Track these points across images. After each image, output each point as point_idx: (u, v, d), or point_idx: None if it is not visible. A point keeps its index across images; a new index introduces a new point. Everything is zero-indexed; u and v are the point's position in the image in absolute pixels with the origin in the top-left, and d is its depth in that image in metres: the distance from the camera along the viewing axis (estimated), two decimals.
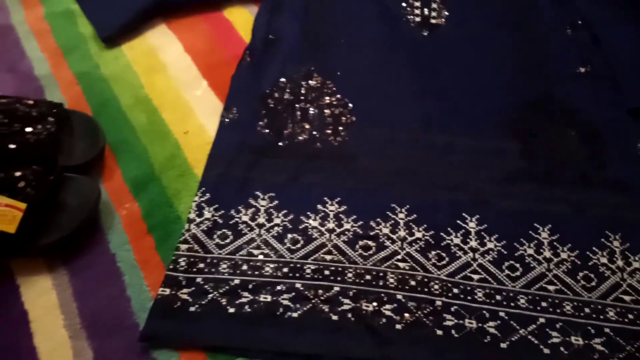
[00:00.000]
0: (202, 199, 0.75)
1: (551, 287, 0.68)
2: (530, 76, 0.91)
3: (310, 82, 0.89)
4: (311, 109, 0.86)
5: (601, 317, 0.66)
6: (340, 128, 0.84)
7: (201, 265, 0.70)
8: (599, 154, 0.81)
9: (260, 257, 0.70)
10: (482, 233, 0.73)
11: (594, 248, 0.72)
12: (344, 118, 0.85)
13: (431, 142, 0.83)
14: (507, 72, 0.92)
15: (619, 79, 0.89)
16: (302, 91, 0.88)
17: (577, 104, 0.87)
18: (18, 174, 0.70)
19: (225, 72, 0.90)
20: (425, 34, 0.96)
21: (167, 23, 0.99)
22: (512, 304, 0.67)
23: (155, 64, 0.93)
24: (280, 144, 0.82)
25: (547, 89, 0.89)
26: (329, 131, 0.83)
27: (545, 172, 0.79)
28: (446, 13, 1.00)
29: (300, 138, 0.82)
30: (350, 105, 0.86)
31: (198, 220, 0.73)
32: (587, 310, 0.67)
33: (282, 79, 0.89)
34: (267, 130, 0.83)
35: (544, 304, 0.67)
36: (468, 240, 0.72)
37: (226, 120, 0.84)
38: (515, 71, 0.92)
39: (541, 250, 0.71)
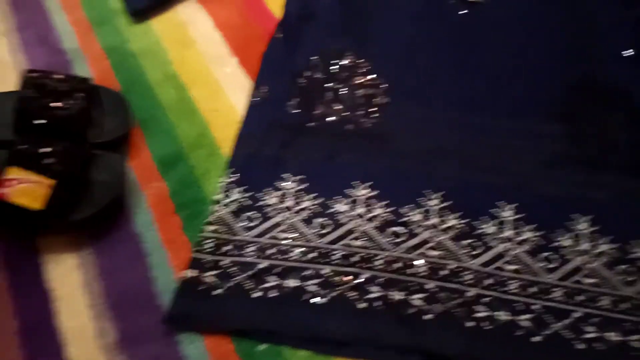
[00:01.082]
0: (230, 179, 0.74)
1: (588, 281, 0.66)
2: (576, 56, 0.86)
3: (343, 61, 0.86)
4: (343, 88, 0.83)
5: (638, 313, 0.63)
6: (374, 109, 0.81)
7: (227, 247, 0.69)
8: None
9: (288, 241, 0.69)
10: (519, 222, 0.70)
11: (633, 241, 0.68)
12: (377, 99, 0.82)
13: (470, 122, 0.79)
14: (552, 52, 0.87)
15: None
16: (335, 70, 0.85)
17: (625, 87, 0.82)
18: (47, 149, 0.70)
19: (255, 49, 0.87)
20: (465, 11, 0.92)
21: None
22: (546, 297, 0.64)
23: (184, 40, 0.91)
24: (311, 124, 0.80)
25: (593, 71, 0.84)
26: (361, 112, 0.80)
27: (591, 156, 0.76)
28: None
29: (332, 118, 0.80)
30: (384, 85, 0.83)
31: (226, 201, 0.72)
32: (625, 305, 0.64)
33: (315, 57, 0.86)
34: (297, 110, 0.81)
35: (580, 297, 0.64)
36: (503, 229, 0.70)
37: (256, 98, 0.82)
38: (560, 50, 0.87)
39: (579, 242, 0.68)
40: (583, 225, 0.70)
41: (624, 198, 0.72)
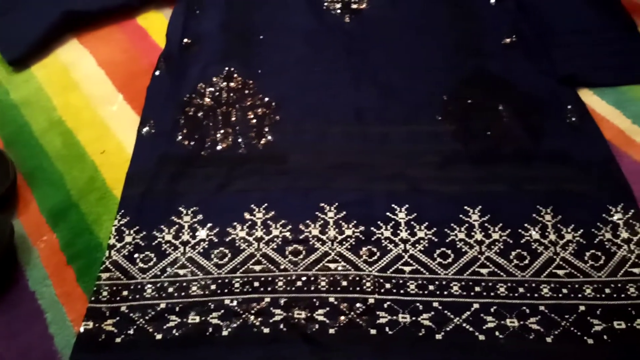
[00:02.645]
0: (121, 222, 0.72)
1: (484, 271, 0.67)
2: (462, 52, 0.89)
3: (231, 84, 0.86)
4: (232, 112, 0.83)
5: (535, 295, 0.65)
6: (266, 129, 0.81)
7: (125, 292, 0.67)
8: (534, 126, 0.80)
9: (186, 277, 0.68)
10: (412, 222, 0.71)
11: (525, 225, 0.71)
12: (268, 119, 0.82)
13: (366, 132, 0.80)
14: (439, 50, 0.90)
15: (547, 46, 0.88)
16: (223, 95, 0.85)
17: (509, 76, 0.85)
18: None
19: (141, 84, 0.86)
20: (348, 20, 0.94)
21: (78, 37, 0.95)
22: (445, 293, 0.66)
23: (68, 83, 0.89)
24: (202, 153, 0.79)
25: (480, 64, 0.87)
26: (252, 134, 0.80)
27: (482, 151, 0.78)
28: None
29: (224, 145, 0.79)
30: (275, 103, 0.83)
31: (119, 245, 0.70)
32: (521, 290, 0.66)
33: (201, 84, 0.85)
34: (187, 141, 0.80)
35: (477, 288, 0.66)
36: (398, 231, 0.71)
37: (143, 133, 0.81)
38: (447, 48, 0.90)
39: (472, 234, 0.70)
40: (474, 217, 0.71)
41: (515, 187, 0.74)
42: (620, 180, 0.74)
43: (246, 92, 0.85)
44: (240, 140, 0.80)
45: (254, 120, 0.82)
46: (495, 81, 0.85)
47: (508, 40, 0.89)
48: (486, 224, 0.71)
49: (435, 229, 0.71)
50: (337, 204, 0.73)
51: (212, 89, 0.85)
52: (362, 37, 0.92)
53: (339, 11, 0.95)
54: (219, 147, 0.79)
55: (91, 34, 0.95)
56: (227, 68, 0.87)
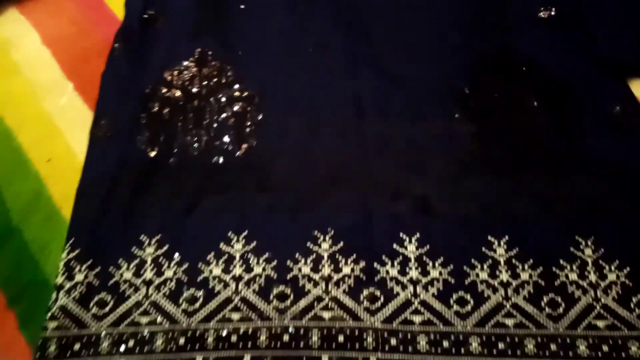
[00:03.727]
0: (71, 254, 0.59)
1: (510, 322, 0.55)
2: (483, 26, 0.73)
3: (204, 69, 0.70)
4: (206, 109, 0.68)
5: (570, 353, 0.54)
6: (247, 130, 0.66)
7: (76, 346, 0.55)
8: (570, 125, 0.65)
9: (150, 326, 0.56)
10: (425, 257, 0.58)
11: (561, 261, 0.58)
12: (249, 117, 0.67)
13: (365, 132, 0.66)
14: (455, 25, 0.74)
15: (590, 22, 0.71)
16: (195, 84, 0.69)
17: (540, 60, 0.70)
18: None
19: (95, 67, 0.70)
20: None
21: (18, 6, 0.77)
22: (462, 350, 0.54)
23: (7, 65, 0.73)
24: (169, 161, 0.65)
25: (504, 43, 0.72)
26: (230, 138, 0.66)
27: (506, 158, 0.64)
28: None
29: (195, 152, 0.65)
30: (256, 98, 0.68)
31: (68, 285, 0.58)
32: (553, 347, 0.54)
33: (167, 72, 0.70)
34: (150, 146, 0.65)
35: (501, 345, 0.54)
36: (407, 269, 0.58)
37: (97, 136, 0.66)
38: (465, 21, 0.74)
39: (497, 273, 0.58)
40: (500, 251, 0.59)
41: (547, 207, 0.61)
42: None
43: (223, 80, 0.69)
44: (216, 144, 0.65)
45: (232, 120, 0.67)
46: (525, 66, 0.70)
47: (544, 14, 0.72)
48: (514, 260, 0.58)
49: (451, 266, 0.58)
50: (332, 231, 0.60)
51: (182, 77, 0.69)
52: (363, 9, 0.75)
53: None
54: (189, 154, 0.65)
55: (33, 2, 0.77)
56: (199, 48, 0.71)
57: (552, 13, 0.72)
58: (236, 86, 0.69)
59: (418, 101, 0.68)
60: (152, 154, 0.65)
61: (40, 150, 0.67)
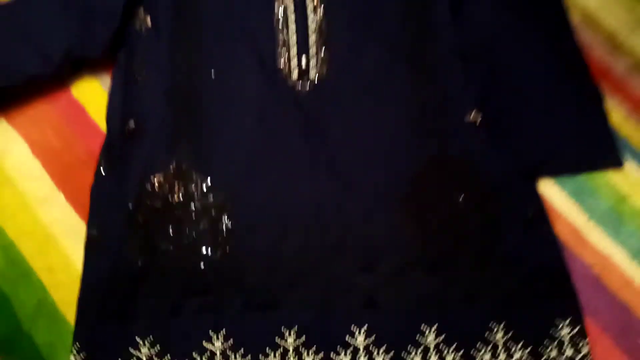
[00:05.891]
0: (77, 357, 0.70)
1: None
2: (424, 129, 0.83)
3: (180, 181, 0.80)
4: (185, 217, 0.78)
5: None
6: (221, 237, 0.77)
7: None
8: (492, 223, 0.78)
9: None
10: (371, 347, 0.72)
11: (478, 344, 0.73)
12: (223, 223, 0.78)
13: (324, 234, 0.77)
14: (400, 127, 0.83)
15: (511, 125, 0.84)
16: (174, 194, 0.79)
17: (469, 162, 0.81)
18: None
19: (82, 178, 0.80)
20: (307, 89, 0.86)
21: (6, 116, 0.85)
22: None
23: (1, 177, 0.82)
24: (154, 266, 0.76)
25: (440, 146, 0.82)
26: (207, 243, 0.77)
27: (438, 255, 0.77)
28: (329, 56, 0.85)
29: (177, 257, 0.76)
30: (229, 204, 0.79)
31: None
32: None
33: (148, 183, 0.79)
34: (136, 253, 0.76)
35: None
36: (357, 357, 0.72)
37: (90, 247, 0.76)
38: (408, 124, 0.83)
39: (428, 356, 0.72)
40: (430, 337, 0.73)
41: (470, 297, 0.75)
42: (570, 291, 0.76)
43: (198, 190, 0.80)
44: (195, 250, 0.77)
45: (209, 226, 0.78)
46: (457, 166, 0.82)
47: (472, 117, 0.84)
48: (441, 346, 0.73)
49: (392, 352, 0.72)
50: (296, 326, 0.73)
51: (161, 188, 0.79)
52: (319, 110, 0.84)
53: (294, 77, 0.87)
54: (172, 260, 0.76)
55: (21, 113, 0.85)
56: (175, 160, 0.80)
57: (479, 119, 0.84)
58: (210, 195, 0.79)
59: (368, 204, 0.79)
60: (139, 262, 0.76)
61: (40, 259, 0.77)
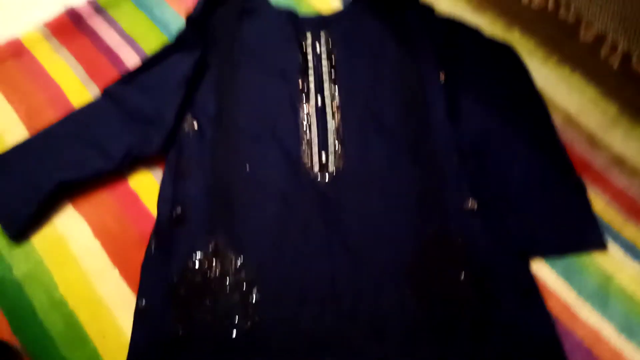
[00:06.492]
0: None
1: None
2: (425, 212, 0.96)
3: (217, 260, 0.93)
4: (220, 292, 0.90)
5: None
6: (251, 308, 0.89)
7: None
8: (487, 297, 0.87)
9: None
10: None
11: None
12: (252, 296, 0.90)
13: (341, 305, 0.88)
14: (406, 208, 0.96)
15: (504, 213, 0.96)
16: (212, 272, 0.92)
17: (468, 243, 0.92)
18: None
19: (134, 257, 0.93)
20: (327, 180, 1.00)
21: (72, 202, 1.01)
22: None
23: (66, 257, 0.96)
24: (193, 336, 0.87)
25: (442, 226, 0.94)
26: (239, 315, 0.88)
27: (441, 326, 0.86)
28: (345, 152, 1.02)
29: (212, 326, 0.88)
30: (257, 279, 0.91)
31: None
32: None
33: (190, 261, 0.93)
34: (178, 325, 0.87)
35: None
36: None
37: (139, 315, 0.89)
38: (413, 205, 0.96)
39: None
40: None
41: None
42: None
43: (232, 267, 0.92)
44: (229, 321, 0.88)
45: (240, 300, 0.90)
46: (457, 246, 0.93)
47: (468, 205, 0.97)
48: None
49: None
50: None
51: (201, 266, 0.92)
52: (335, 197, 0.98)
53: (316, 170, 1.02)
54: (208, 329, 0.87)
55: (85, 200, 1.01)
56: (214, 241, 0.94)
57: (476, 207, 0.97)
58: (242, 271, 0.92)
59: (377, 277, 0.91)
60: (180, 331, 0.87)
61: (95, 326, 0.89)
